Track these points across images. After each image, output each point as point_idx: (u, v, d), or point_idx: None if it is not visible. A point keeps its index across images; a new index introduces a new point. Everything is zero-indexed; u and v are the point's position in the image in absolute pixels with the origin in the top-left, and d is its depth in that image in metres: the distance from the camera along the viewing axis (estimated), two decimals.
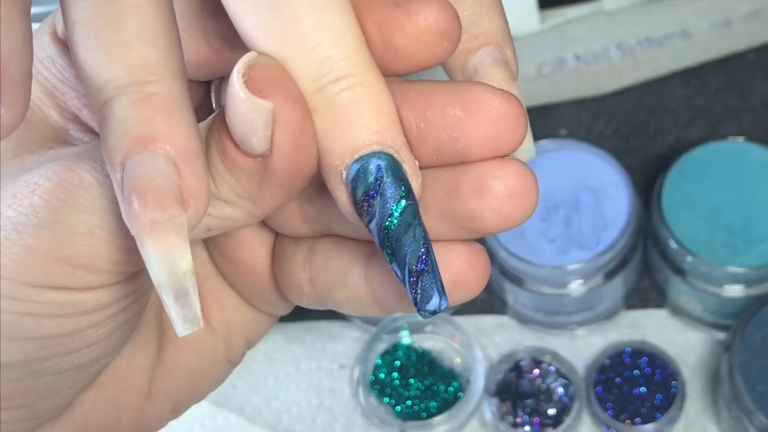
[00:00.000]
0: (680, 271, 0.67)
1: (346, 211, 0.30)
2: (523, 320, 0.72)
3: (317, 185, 0.31)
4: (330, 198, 0.32)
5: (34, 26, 0.28)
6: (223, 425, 0.71)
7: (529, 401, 0.68)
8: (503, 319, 0.74)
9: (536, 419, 0.68)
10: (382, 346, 0.72)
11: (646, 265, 0.73)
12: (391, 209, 0.29)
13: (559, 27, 0.79)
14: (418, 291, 0.29)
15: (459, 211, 0.30)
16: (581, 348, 0.72)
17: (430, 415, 0.69)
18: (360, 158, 0.28)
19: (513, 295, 0.70)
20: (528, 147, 0.33)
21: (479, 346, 0.71)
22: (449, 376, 0.70)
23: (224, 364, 0.38)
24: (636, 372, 0.68)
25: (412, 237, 0.29)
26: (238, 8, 0.28)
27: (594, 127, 0.79)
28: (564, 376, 0.69)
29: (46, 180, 0.29)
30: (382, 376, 0.70)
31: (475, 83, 0.30)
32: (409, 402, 0.69)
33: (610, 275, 0.68)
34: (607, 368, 0.69)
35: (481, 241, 0.37)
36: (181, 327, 0.28)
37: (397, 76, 0.30)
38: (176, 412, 0.37)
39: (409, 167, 0.29)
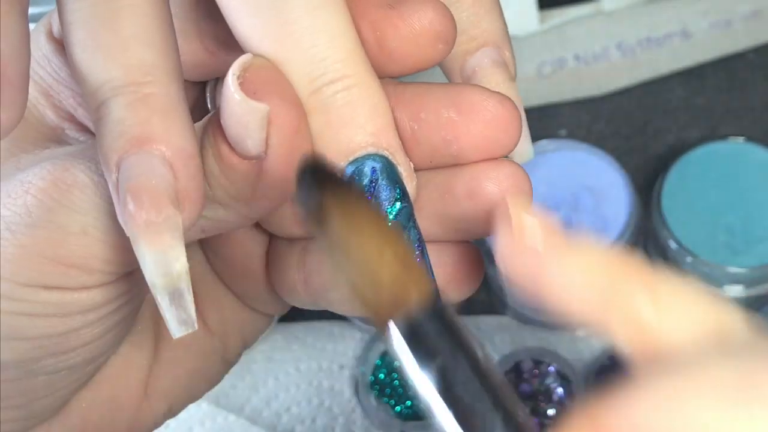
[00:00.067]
0: (680, 272, 0.67)
1: None
2: (523, 321, 0.72)
3: None
4: None
5: (31, 26, 0.28)
6: (223, 425, 0.71)
7: (528, 402, 0.68)
8: (503, 320, 0.73)
9: (536, 420, 0.68)
10: (382, 346, 0.72)
11: None
12: (386, 211, 0.29)
13: (559, 27, 0.79)
14: None
15: (452, 212, 0.30)
16: (581, 348, 0.72)
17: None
18: (355, 160, 0.28)
19: (513, 295, 0.70)
20: (525, 148, 0.33)
21: None
22: None
23: (220, 363, 0.38)
24: None
25: (407, 239, 0.29)
26: (233, 10, 0.29)
27: (594, 128, 0.79)
28: (564, 377, 0.69)
29: (40, 179, 0.29)
30: (382, 376, 0.70)
31: (469, 85, 0.30)
32: (409, 402, 0.69)
33: None
34: (607, 369, 0.69)
35: (481, 241, 0.37)
36: (175, 328, 0.28)
37: (391, 78, 0.30)
38: (172, 411, 0.37)
39: (404, 169, 0.29)
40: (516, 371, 0.69)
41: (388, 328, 0.23)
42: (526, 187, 0.30)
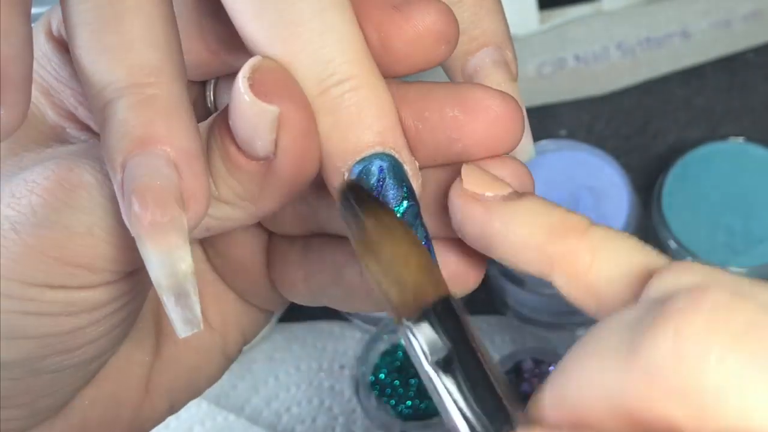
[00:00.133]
0: None
1: None
2: (524, 321, 0.72)
3: (312, 185, 0.31)
4: (325, 198, 0.32)
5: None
6: (223, 425, 0.71)
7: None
8: (503, 320, 0.73)
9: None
10: (382, 346, 0.72)
11: None
12: (393, 210, 0.29)
13: (559, 27, 0.79)
14: None
15: None
16: None
17: (430, 415, 0.69)
18: (362, 159, 0.28)
19: (513, 295, 0.70)
20: (527, 148, 0.33)
21: None
22: None
23: (221, 359, 0.38)
24: None
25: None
26: (240, 11, 0.29)
27: (594, 128, 0.79)
28: None
29: (44, 179, 0.29)
30: (382, 376, 0.70)
31: (472, 84, 0.31)
32: (409, 402, 0.69)
33: None
34: None
35: None
36: (181, 328, 0.28)
37: (395, 78, 0.31)
38: (174, 408, 0.38)
39: (410, 168, 0.29)
40: (516, 371, 0.69)
41: (407, 324, 0.26)
42: (530, 184, 0.30)
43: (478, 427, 0.26)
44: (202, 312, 0.37)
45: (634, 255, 0.27)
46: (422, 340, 0.26)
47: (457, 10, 0.31)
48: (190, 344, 0.37)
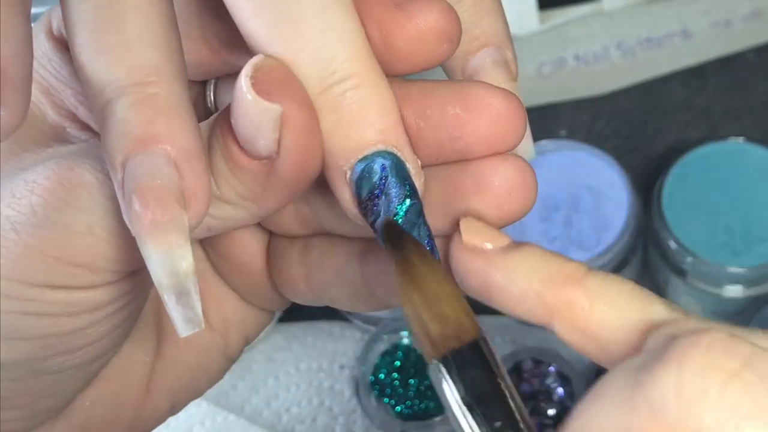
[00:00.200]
0: (680, 272, 0.67)
1: (349, 211, 0.30)
2: (524, 321, 0.72)
3: (314, 184, 0.31)
4: (325, 197, 0.32)
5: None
6: (223, 425, 0.71)
7: (528, 402, 0.68)
8: (503, 320, 0.73)
9: (536, 420, 0.68)
10: (382, 346, 0.72)
11: (645, 265, 0.73)
12: (396, 208, 0.29)
13: (559, 27, 0.79)
14: None
15: (459, 207, 0.31)
16: None
17: (430, 415, 0.69)
18: (365, 158, 0.28)
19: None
20: (527, 147, 0.33)
21: None
22: None
23: (222, 360, 0.38)
24: None
25: (417, 236, 0.29)
26: (241, 9, 0.29)
27: (594, 128, 0.79)
28: (564, 377, 0.69)
29: (45, 179, 0.29)
30: (382, 376, 0.70)
31: (474, 82, 0.31)
32: (409, 402, 0.69)
33: None
34: (606, 369, 0.69)
35: None
36: (182, 327, 0.28)
37: (397, 76, 0.30)
38: (175, 408, 0.37)
39: (412, 166, 0.29)
40: (516, 371, 0.69)
41: (445, 359, 0.27)
42: (533, 181, 0.30)
43: None
44: (203, 312, 0.37)
45: (632, 299, 0.28)
46: (456, 377, 0.27)
47: (457, 10, 0.31)
48: (191, 344, 0.37)
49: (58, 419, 0.34)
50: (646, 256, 0.72)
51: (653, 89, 0.79)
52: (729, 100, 0.79)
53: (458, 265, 0.30)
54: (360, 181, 0.29)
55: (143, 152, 0.27)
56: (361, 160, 0.28)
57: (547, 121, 0.79)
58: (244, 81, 0.27)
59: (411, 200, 0.29)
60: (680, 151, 0.70)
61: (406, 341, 0.72)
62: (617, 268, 0.68)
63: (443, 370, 0.27)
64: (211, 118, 0.30)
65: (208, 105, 0.35)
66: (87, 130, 0.34)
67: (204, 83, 0.35)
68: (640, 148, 0.77)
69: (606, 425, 0.24)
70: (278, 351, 0.74)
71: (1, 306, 0.29)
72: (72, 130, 0.34)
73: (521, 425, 0.27)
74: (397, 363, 0.71)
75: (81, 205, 0.29)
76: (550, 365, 0.69)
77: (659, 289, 0.72)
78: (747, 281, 0.66)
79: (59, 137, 0.34)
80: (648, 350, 0.26)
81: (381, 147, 0.28)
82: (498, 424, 0.26)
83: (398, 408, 0.69)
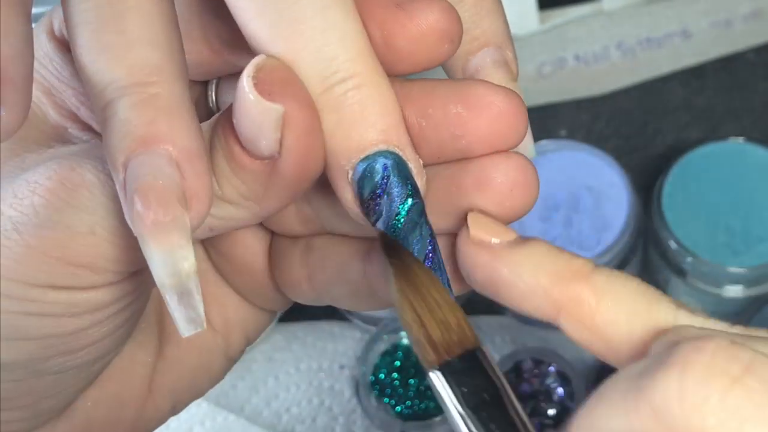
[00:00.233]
0: (680, 272, 0.67)
1: (351, 210, 0.30)
2: (524, 320, 0.72)
3: (315, 184, 0.31)
4: (327, 197, 0.32)
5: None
6: (223, 425, 0.71)
7: (528, 402, 0.68)
8: (503, 320, 0.73)
9: (536, 420, 0.68)
10: (382, 346, 0.72)
11: (645, 265, 0.73)
12: (398, 208, 0.29)
13: (559, 27, 0.79)
14: None
15: (461, 205, 0.31)
16: (582, 348, 0.71)
17: (430, 415, 0.69)
18: (366, 157, 0.28)
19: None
20: (528, 147, 0.33)
21: None
22: None
23: (223, 360, 0.38)
24: None
25: (419, 235, 0.29)
26: (242, 9, 0.29)
27: (594, 128, 0.79)
28: (564, 377, 0.69)
29: (46, 179, 0.29)
30: (382, 376, 0.70)
31: (475, 81, 0.31)
32: (409, 402, 0.69)
33: None
34: (607, 369, 0.69)
35: None
36: (184, 327, 0.28)
37: (397, 76, 0.31)
38: (176, 408, 0.37)
39: (414, 166, 0.29)
40: (516, 371, 0.69)
41: (447, 365, 0.27)
42: (534, 179, 0.31)
43: None
44: (204, 312, 0.37)
45: (639, 296, 0.28)
46: (459, 383, 0.27)
47: (457, 10, 0.31)
48: (193, 345, 0.37)
49: (60, 420, 0.34)
50: (646, 256, 0.72)
51: (653, 89, 0.79)
52: (729, 100, 0.79)
53: (465, 259, 0.30)
54: (362, 180, 0.29)
55: (145, 152, 0.27)
56: (363, 160, 0.28)
57: (547, 121, 0.79)
58: (246, 81, 0.27)
59: (413, 199, 0.29)
60: (680, 151, 0.70)
61: (406, 341, 0.72)
62: (617, 268, 0.68)
63: (445, 376, 0.27)
64: (213, 118, 0.30)
65: (209, 105, 0.35)
66: (88, 130, 0.34)
67: (205, 83, 0.35)
68: (640, 148, 0.78)
69: (608, 428, 0.25)
70: (278, 351, 0.74)
71: (3, 306, 0.29)
72: (73, 130, 0.34)
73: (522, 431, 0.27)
74: (397, 363, 0.71)
75: (83, 206, 0.29)
76: (550, 365, 0.69)
77: (659, 289, 0.72)
78: (747, 281, 0.66)
79: (61, 138, 0.34)
80: (652, 355, 0.26)
81: (383, 147, 0.29)
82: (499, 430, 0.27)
83: (398, 408, 0.69)
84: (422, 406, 0.69)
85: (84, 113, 0.34)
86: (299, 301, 0.37)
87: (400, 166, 0.29)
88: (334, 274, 0.34)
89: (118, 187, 0.28)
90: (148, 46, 0.28)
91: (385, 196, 0.29)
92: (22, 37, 0.25)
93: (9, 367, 0.30)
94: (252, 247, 0.36)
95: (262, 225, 0.36)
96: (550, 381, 0.69)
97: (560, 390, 0.68)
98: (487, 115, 0.30)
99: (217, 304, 0.38)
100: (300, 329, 0.75)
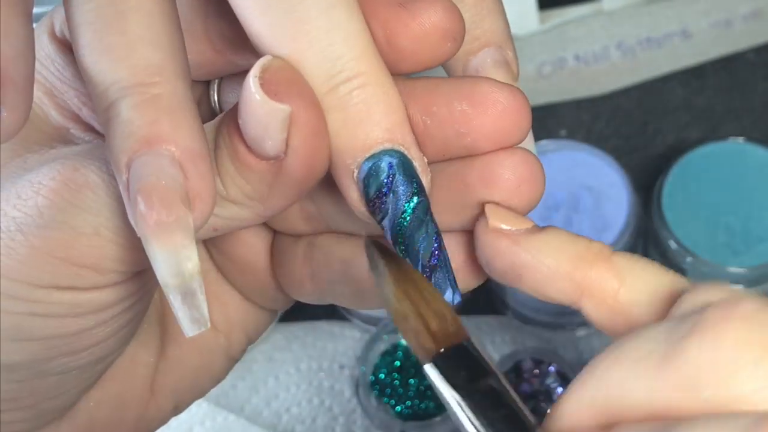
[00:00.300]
0: (680, 272, 0.67)
1: (357, 209, 0.30)
2: (524, 320, 0.72)
3: (319, 183, 0.31)
4: (331, 195, 0.32)
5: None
6: (223, 425, 0.71)
7: (528, 402, 0.68)
8: (503, 320, 0.73)
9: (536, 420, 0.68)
10: (382, 346, 0.72)
11: None
12: (404, 206, 0.29)
13: (559, 27, 0.79)
14: None
15: (466, 202, 0.31)
16: (582, 348, 0.72)
17: (430, 415, 0.69)
18: (372, 156, 0.29)
19: (513, 295, 0.70)
20: (529, 146, 0.33)
21: None
22: None
23: (225, 360, 0.38)
24: None
25: (425, 233, 0.29)
26: (246, 9, 0.29)
27: (594, 128, 0.79)
28: (564, 377, 0.69)
29: (50, 180, 0.29)
30: (382, 376, 0.70)
31: (479, 78, 0.31)
32: (409, 402, 0.69)
33: None
34: None
35: None
36: (188, 327, 0.28)
37: (400, 75, 0.31)
38: (178, 408, 0.38)
39: (419, 164, 0.29)
40: (516, 371, 0.69)
41: (445, 353, 0.27)
42: (540, 174, 0.31)
43: None
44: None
45: (659, 278, 0.29)
46: (453, 372, 0.27)
47: None
48: (195, 345, 0.37)
49: (63, 420, 0.34)
50: (646, 256, 0.72)
51: (653, 89, 0.79)
52: (729, 100, 0.79)
53: (485, 248, 0.30)
54: (367, 179, 0.29)
55: (148, 153, 0.27)
56: (368, 159, 0.29)
57: (547, 121, 0.79)
58: (252, 81, 0.27)
59: (418, 197, 0.29)
60: (680, 151, 0.70)
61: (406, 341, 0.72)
62: None
63: (443, 364, 0.27)
64: (217, 118, 0.30)
65: (212, 105, 0.35)
66: (91, 131, 0.34)
67: (207, 83, 0.35)
68: (640, 148, 0.78)
69: (628, 388, 0.24)
70: (278, 351, 0.74)
71: (7, 307, 0.29)
72: (76, 131, 0.34)
73: (522, 414, 0.27)
74: (397, 363, 0.71)
75: (86, 206, 0.29)
76: (550, 365, 0.69)
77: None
78: (747, 281, 0.66)
79: (63, 138, 0.34)
80: (677, 314, 0.26)
81: (388, 145, 0.29)
82: (501, 412, 0.27)
83: (398, 408, 0.69)
84: (422, 406, 0.69)
85: (86, 114, 0.34)
86: (301, 299, 0.37)
87: (406, 165, 0.29)
88: (338, 273, 0.34)
89: (121, 187, 0.28)
90: (150, 46, 0.28)
91: (391, 195, 0.29)
92: (23, 37, 0.25)
93: (12, 367, 0.30)
94: (254, 246, 0.36)
95: (264, 224, 0.36)
96: (550, 381, 0.69)
97: (560, 390, 0.68)
98: (492, 111, 0.30)
99: (218, 303, 0.38)
100: (300, 329, 0.75)
